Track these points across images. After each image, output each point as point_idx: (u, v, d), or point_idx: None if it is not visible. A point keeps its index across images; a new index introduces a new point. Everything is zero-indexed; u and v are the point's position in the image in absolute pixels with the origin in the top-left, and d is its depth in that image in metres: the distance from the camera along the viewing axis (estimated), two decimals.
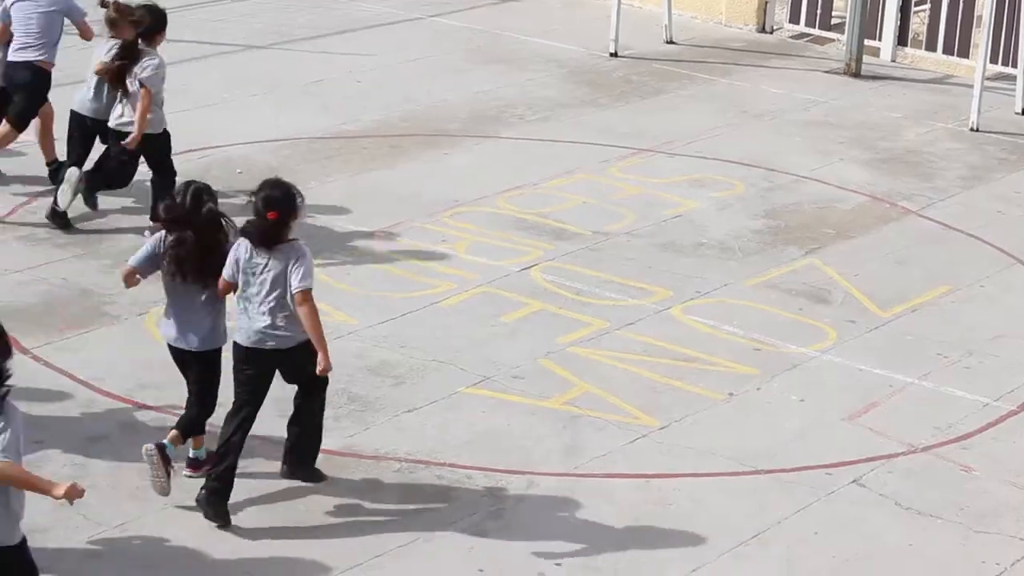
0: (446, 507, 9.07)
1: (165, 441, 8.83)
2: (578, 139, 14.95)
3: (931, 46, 17.72)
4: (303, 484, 9.12)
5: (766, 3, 18.83)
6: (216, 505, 8.75)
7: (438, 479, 9.34)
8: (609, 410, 10.23)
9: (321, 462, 9.34)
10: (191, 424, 9.03)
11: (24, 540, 7.13)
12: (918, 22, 18.09)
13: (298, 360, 8.81)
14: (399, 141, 14.36)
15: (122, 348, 10.61)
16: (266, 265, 8.72)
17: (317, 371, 8.73)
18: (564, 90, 16.32)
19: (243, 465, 9.22)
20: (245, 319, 8.78)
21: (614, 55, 17.50)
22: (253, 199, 8.79)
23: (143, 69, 11.90)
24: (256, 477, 9.17)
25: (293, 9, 18.29)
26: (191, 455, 9.20)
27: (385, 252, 12.23)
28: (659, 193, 13.78)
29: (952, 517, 9.25)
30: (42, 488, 6.92)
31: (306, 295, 8.65)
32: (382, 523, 8.84)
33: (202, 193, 8.89)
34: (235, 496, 8.78)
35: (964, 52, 17.40)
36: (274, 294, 8.69)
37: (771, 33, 18.86)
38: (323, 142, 14.35)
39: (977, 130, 15.71)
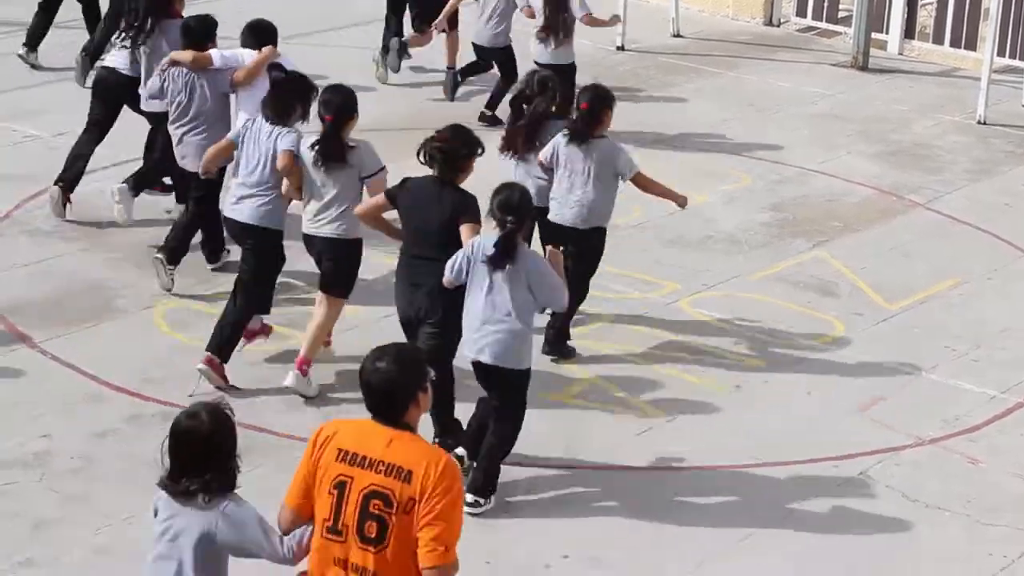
0: None
1: None
2: None
3: (938, 39, 17.72)
4: None
5: None
6: (557, 348, 10.58)
7: None
8: (616, 403, 10.24)
9: None
10: None
11: (530, 369, 8.73)
12: (925, 15, 18.09)
13: (587, 241, 10.44)
14: (402, 136, 14.31)
15: (130, 342, 10.63)
16: (580, 154, 10.30)
17: (679, 205, 10.71)
18: None
19: (249, 461, 9.21)
20: (555, 203, 10.42)
21: (621, 48, 17.50)
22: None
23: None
24: (259, 473, 9.18)
25: (295, 5, 18.25)
26: None
27: (392, 249, 12.21)
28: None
29: (959, 509, 9.25)
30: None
31: (640, 175, 10.41)
32: None
33: (547, 80, 10.71)
34: (241, 495, 8.76)
35: (971, 45, 17.39)
36: (579, 180, 10.28)
37: (778, 26, 18.85)
38: None
39: (984, 123, 15.69)
